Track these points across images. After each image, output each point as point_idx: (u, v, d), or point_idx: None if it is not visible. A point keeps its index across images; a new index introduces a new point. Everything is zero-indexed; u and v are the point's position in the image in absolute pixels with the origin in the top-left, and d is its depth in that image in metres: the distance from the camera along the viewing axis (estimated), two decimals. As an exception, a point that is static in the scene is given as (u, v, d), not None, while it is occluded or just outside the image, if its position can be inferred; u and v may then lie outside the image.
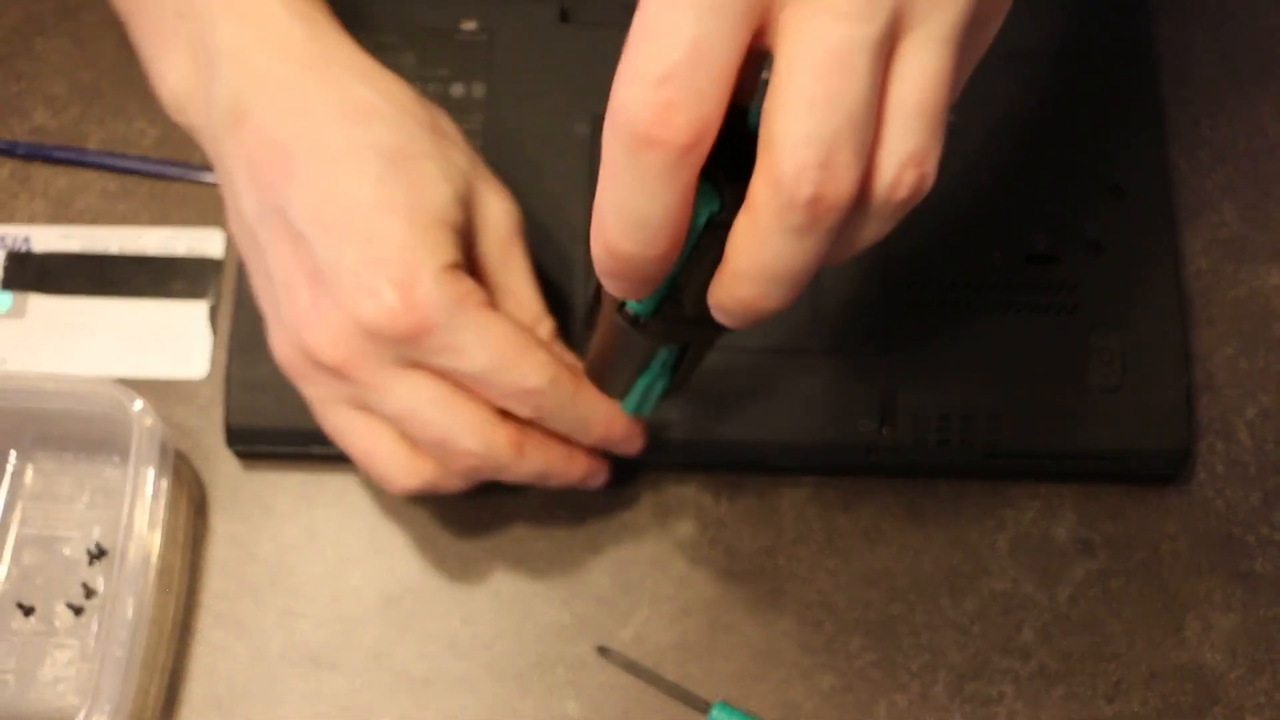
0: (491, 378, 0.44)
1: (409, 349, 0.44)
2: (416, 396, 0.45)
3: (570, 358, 0.48)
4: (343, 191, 0.44)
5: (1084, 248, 0.53)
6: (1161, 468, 0.52)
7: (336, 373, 0.45)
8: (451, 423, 0.45)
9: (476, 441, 0.45)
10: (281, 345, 0.47)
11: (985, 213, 0.53)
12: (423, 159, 0.45)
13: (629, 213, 0.32)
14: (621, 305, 0.38)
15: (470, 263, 0.46)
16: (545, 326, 0.48)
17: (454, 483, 0.47)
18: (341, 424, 0.47)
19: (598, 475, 0.50)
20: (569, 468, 0.48)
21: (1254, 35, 0.59)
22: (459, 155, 0.47)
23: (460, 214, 0.46)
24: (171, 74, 0.48)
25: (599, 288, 0.41)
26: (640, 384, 0.44)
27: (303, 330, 0.45)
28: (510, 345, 0.44)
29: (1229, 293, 0.55)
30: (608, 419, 0.47)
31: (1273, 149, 0.57)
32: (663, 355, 0.42)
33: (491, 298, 0.46)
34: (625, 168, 0.31)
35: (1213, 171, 0.57)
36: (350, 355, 0.44)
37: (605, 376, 0.44)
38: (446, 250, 0.44)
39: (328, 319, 0.44)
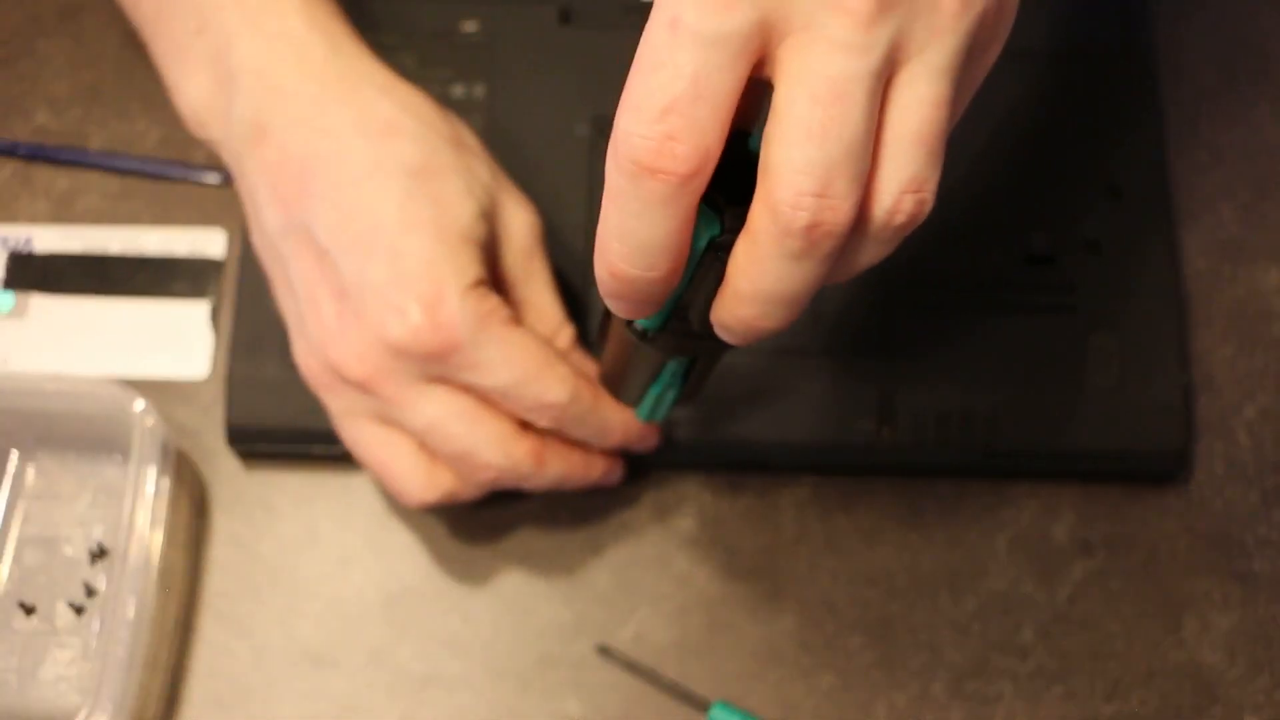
0: (514, 393, 0.45)
1: (434, 366, 0.44)
2: (440, 411, 0.45)
3: (589, 365, 0.48)
4: (367, 208, 0.44)
5: (1082, 248, 0.53)
6: (1160, 467, 0.52)
7: (361, 388, 0.45)
8: (475, 437, 0.46)
9: (498, 455, 0.46)
10: (306, 359, 0.47)
11: (984, 213, 0.53)
12: (447, 174, 0.46)
13: (631, 238, 0.33)
14: (630, 320, 0.38)
15: (493, 274, 0.47)
16: (565, 334, 0.48)
17: (471, 493, 0.48)
18: (362, 436, 0.47)
19: (613, 474, 0.50)
20: (587, 472, 0.49)
21: (1252, 36, 0.59)
22: (482, 168, 0.47)
23: (484, 228, 0.46)
24: (191, 90, 0.48)
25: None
26: (652, 393, 0.44)
27: (328, 346, 0.45)
28: (533, 361, 0.45)
29: (1227, 293, 0.55)
30: (625, 425, 0.48)
31: (1270, 150, 0.57)
32: (672, 366, 0.42)
33: (514, 309, 0.47)
34: (627, 195, 0.32)
35: (1211, 172, 0.57)
36: (375, 371, 0.45)
37: (618, 385, 0.45)
38: (471, 267, 0.45)
39: (353, 335, 0.45)
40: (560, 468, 0.48)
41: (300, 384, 0.48)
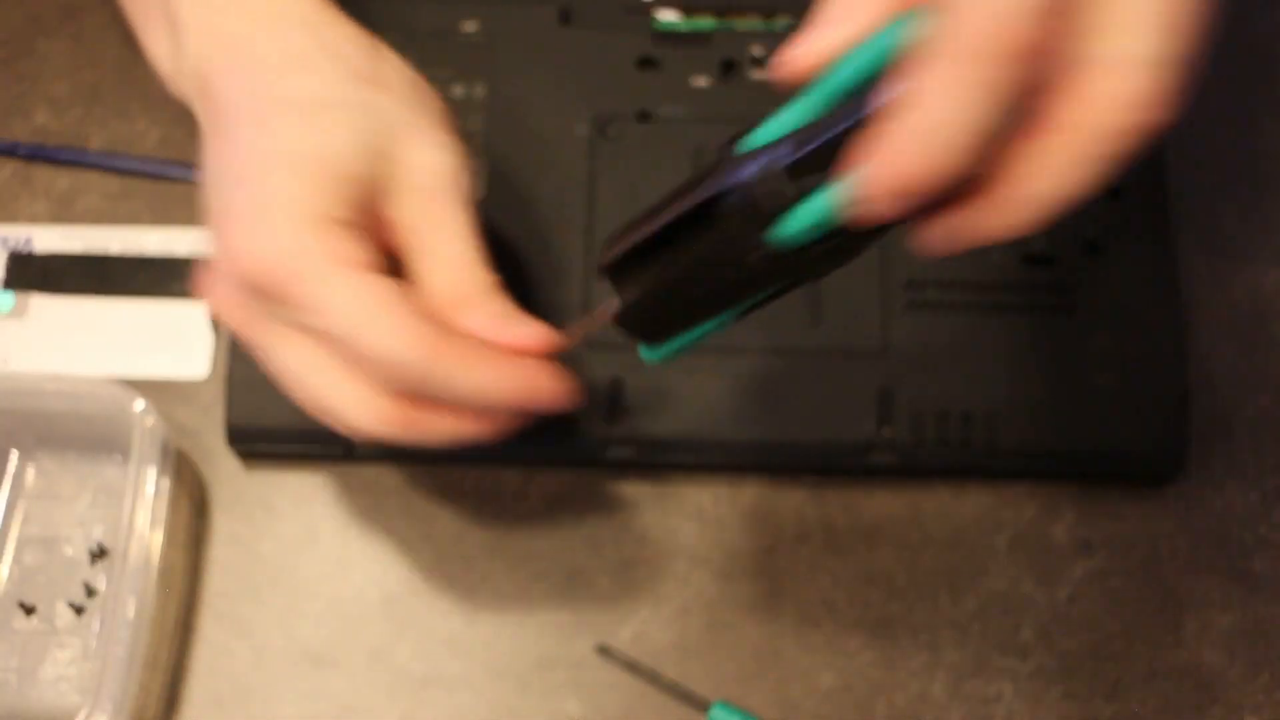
0: (348, 341, 0.41)
1: (277, 304, 0.42)
2: (298, 360, 0.43)
3: (511, 309, 0.44)
4: (246, 143, 0.43)
5: (1082, 248, 0.53)
6: (1159, 467, 0.52)
7: (236, 330, 0.44)
8: (333, 392, 0.42)
9: (362, 415, 0.42)
10: None
11: (984, 213, 0.53)
12: (337, 108, 0.43)
13: (966, 129, 0.32)
14: (761, 241, 0.36)
15: (382, 215, 0.44)
16: (479, 279, 0.44)
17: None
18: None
19: (550, 401, 0.43)
20: (504, 425, 0.43)
21: (1252, 37, 0.59)
22: (390, 103, 0.45)
23: (366, 166, 0.43)
24: (159, 51, 0.48)
25: (668, 225, 0.38)
26: (703, 328, 0.41)
27: (211, 285, 0.44)
28: (375, 308, 0.41)
29: (1226, 293, 0.55)
30: (514, 382, 0.42)
31: (1270, 150, 0.57)
32: (761, 295, 0.39)
33: (411, 252, 0.44)
34: (975, 82, 0.32)
35: (1211, 172, 0.57)
36: (238, 310, 0.43)
37: (662, 319, 0.41)
38: (333, 204, 0.42)
39: (220, 273, 0.43)
40: (451, 427, 0.43)
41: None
